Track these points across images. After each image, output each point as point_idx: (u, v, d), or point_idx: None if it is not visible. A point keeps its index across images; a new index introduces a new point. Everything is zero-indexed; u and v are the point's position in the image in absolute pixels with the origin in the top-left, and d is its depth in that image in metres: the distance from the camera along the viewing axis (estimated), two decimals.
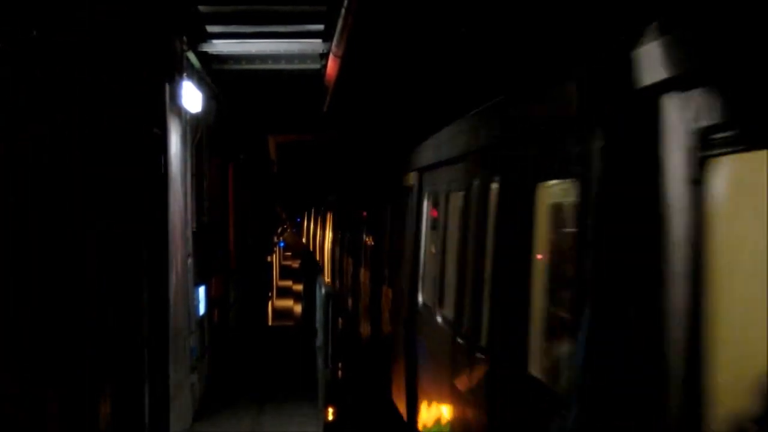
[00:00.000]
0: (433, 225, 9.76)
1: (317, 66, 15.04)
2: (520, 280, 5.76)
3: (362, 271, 17.39)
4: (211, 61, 14.80)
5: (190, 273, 13.59)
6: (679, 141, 3.67)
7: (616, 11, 5.76)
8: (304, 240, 49.06)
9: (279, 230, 53.59)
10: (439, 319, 9.01)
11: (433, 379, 9.08)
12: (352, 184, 22.48)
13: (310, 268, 34.06)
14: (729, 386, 3.35)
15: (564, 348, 5.09)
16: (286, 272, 67.52)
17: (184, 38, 12.86)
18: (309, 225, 54.88)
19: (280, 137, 30.76)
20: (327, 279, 29.85)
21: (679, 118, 3.68)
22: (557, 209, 5.42)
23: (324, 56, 14.41)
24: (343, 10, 11.13)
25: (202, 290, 14.85)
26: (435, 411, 9.04)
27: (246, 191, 24.18)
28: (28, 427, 6.41)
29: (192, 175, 13.70)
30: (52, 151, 6.92)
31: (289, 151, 35.49)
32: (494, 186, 6.71)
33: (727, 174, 3.42)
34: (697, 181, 3.51)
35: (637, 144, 4.06)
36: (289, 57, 14.87)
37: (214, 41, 13.99)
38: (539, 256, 5.62)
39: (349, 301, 19.98)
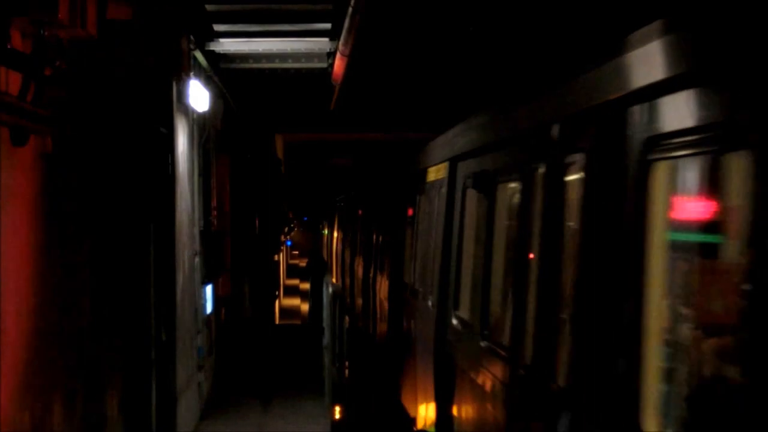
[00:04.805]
0: (479, 223, 7.90)
1: (324, 65, 15.04)
2: None
3: (375, 272, 16.98)
4: (218, 60, 14.79)
5: (197, 272, 13.60)
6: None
7: None
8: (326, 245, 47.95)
9: (286, 229, 53.60)
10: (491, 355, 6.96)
11: None
12: (367, 181, 22.20)
13: (317, 268, 34.05)
14: None
15: None
16: (293, 271, 67.58)
17: (191, 37, 12.86)
18: (322, 226, 54.69)
19: (287, 136, 30.77)
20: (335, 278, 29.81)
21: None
22: None
23: (331, 55, 14.40)
24: (350, 9, 11.11)
25: (209, 289, 14.85)
26: None
27: (253, 190, 24.18)
28: (35, 427, 6.41)
29: (199, 175, 13.70)
30: (56, 151, 6.92)
31: (297, 150, 35.51)
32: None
33: None
34: None
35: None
36: (296, 56, 14.87)
37: (221, 40, 13.99)
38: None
39: (358, 301, 19.80)
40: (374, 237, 17.23)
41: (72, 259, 7.36)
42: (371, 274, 17.30)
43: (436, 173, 10.15)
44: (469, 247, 8.40)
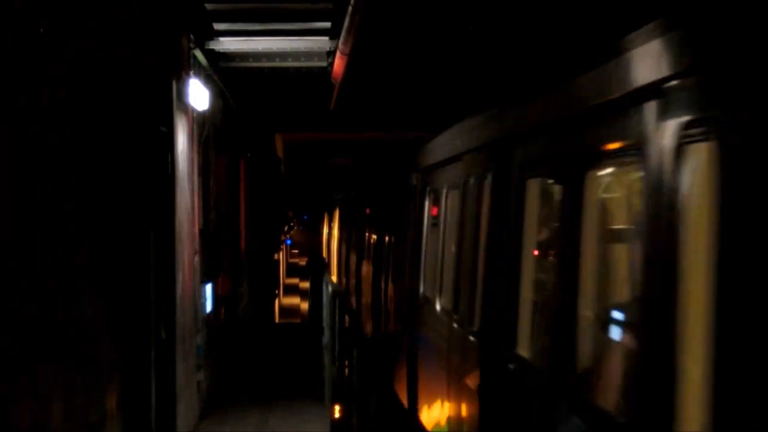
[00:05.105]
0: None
1: (324, 64, 15.03)
2: None
3: (381, 278, 15.82)
4: (218, 58, 14.79)
5: (197, 271, 13.59)
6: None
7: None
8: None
9: (286, 228, 53.62)
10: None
11: None
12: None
13: (317, 266, 34.07)
14: None
15: None
16: (293, 270, 67.59)
17: (191, 36, 12.85)
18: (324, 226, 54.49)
19: (287, 135, 30.77)
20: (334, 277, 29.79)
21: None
22: None
23: (331, 54, 14.40)
24: (350, 8, 11.11)
25: (209, 288, 14.85)
26: None
27: (253, 189, 24.18)
28: (34, 427, 6.40)
29: (199, 174, 13.69)
30: (57, 150, 6.92)
31: (297, 149, 35.52)
32: None
33: None
34: None
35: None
36: (296, 55, 14.86)
37: (221, 39, 13.99)
38: None
39: (364, 301, 18.97)
40: (376, 239, 16.51)
41: (72, 258, 7.35)
42: (382, 284, 15.65)
43: (471, 164, 8.03)
44: (531, 259, 6.24)
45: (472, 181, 7.93)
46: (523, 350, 6.15)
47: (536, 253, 6.20)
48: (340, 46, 12.96)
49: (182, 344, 12.10)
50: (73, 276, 7.36)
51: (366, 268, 17.97)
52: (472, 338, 7.53)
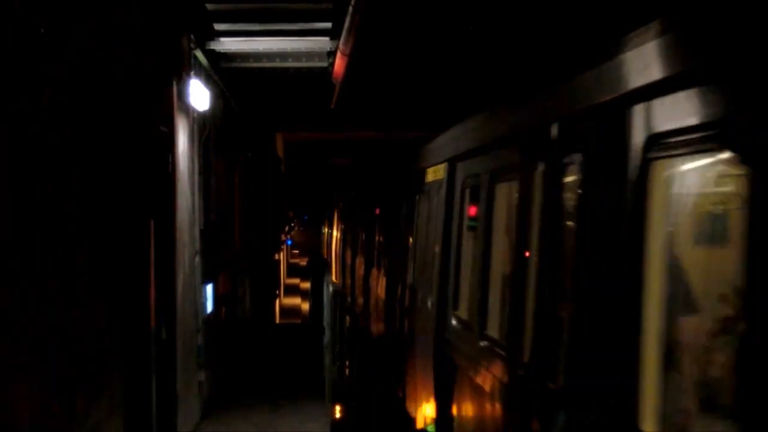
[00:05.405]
0: None
1: (324, 64, 15.04)
2: None
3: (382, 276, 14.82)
4: (218, 59, 14.80)
5: (197, 271, 13.59)
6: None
7: None
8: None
9: (286, 228, 53.64)
10: None
11: None
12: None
13: (317, 267, 34.08)
14: None
15: None
16: (293, 270, 67.61)
17: (192, 36, 12.86)
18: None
19: (287, 136, 30.79)
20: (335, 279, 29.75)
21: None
22: None
23: (331, 54, 14.40)
24: (350, 8, 11.12)
25: (209, 288, 14.86)
26: None
27: (253, 189, 24.19)
28: (34, 427, 6.41)
29: (199, 174, 13.70)
30: (57, 151, 6.92)
31: (297, 149, 35.53)
32: None
33: None
34: None
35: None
36: (297, 55, 14.87)
37: (222, 39, 14.00)
38: None
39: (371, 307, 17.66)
40: (386, 241, 14.82)
41: (72, 258, 7.36)
42: (394, 287, 13.14)
43: (537, 145, 5.65)
44: (658, 282, 3.93)
45: (540, 167, 5.56)
46: (653, 428, 3.86)
47: (671, 271, 3.98)
48: (341, 46, 12.97)
49: (183, 344, 12.11)
50: (73, 276, 7.36)
51: (374, 271, 17.77)
52: (556, 397, 5.03)
